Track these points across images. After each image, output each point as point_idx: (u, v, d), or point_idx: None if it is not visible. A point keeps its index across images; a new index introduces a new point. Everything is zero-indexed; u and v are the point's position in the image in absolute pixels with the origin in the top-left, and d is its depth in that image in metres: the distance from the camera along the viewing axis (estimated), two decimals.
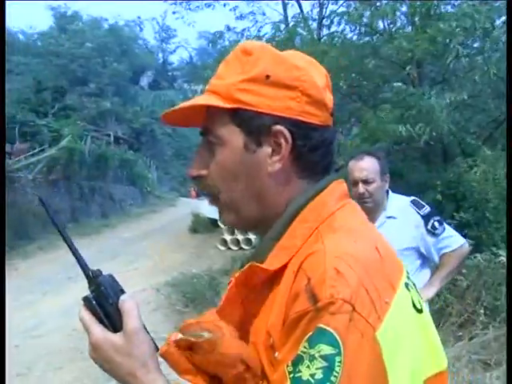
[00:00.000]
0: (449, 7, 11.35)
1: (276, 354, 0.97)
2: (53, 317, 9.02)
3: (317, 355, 0.89)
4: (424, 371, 1.00)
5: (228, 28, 16.67)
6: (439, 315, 6.52)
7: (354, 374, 0.88)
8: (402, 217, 3.73)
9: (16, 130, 24.96)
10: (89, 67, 45.61)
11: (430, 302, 3.91)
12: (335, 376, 0.87)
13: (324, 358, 0.88)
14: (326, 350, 0.89)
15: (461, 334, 6.34)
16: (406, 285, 1.06)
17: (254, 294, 1.09)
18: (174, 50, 69.50)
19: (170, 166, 50.37)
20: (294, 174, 1.14)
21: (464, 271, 7.05)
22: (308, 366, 0.89)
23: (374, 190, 3.62)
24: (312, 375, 0.88)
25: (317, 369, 0.88)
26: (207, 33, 46.02)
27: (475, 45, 10.89)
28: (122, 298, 1.14)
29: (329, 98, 1.17)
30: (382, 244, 1.08)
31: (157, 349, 1.14)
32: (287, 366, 0.92)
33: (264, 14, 16.45)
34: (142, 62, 58.03)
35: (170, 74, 68.30)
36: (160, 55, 68.61)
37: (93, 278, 1.16)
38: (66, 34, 47.34)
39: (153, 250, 16.07)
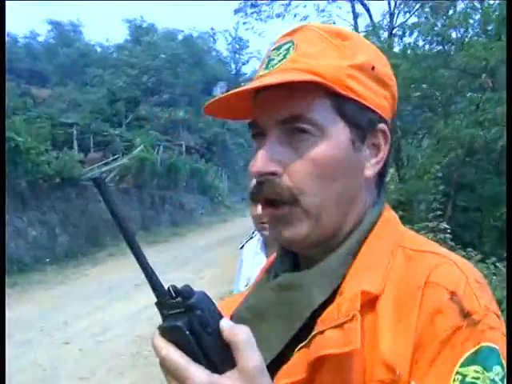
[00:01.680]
0: None
1: (412, 383, 0.81)
2: (118, 323, 9.16)
3: (497, 379, 0.78)
4: None
5: None
6: None
7: None
8: None
9: (90, 140, 25.56)
10: (162, 78, 46.38)
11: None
12: None
13: (502, 381, 0.79)
14: (501, 372, 0.79)
15: None
16: None
17: None
18: (247, 61, 69.82)
19: (241, 177, 50.62)
20: (374, 181, 1.02)
21: None
22: None
23: None
24: None
25: None
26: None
27: None
28: (227, 323, 0.79)
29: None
30: None
31: None
32: None
33: (334, 24, 16.36)
34: (215, 73, 58.60)
35: (242, 84, 68.41)
36: (233, 66, 69.26)
37: (177, 296, 0.80)
38: (141, 46, 48.34)
39: (221, 259, 16.16)
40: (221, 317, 0.80)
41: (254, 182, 0.99)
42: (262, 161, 0.93)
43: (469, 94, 10.96)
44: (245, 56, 69.07)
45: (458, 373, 0.78)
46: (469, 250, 7.67)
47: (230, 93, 0.95)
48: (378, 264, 0.92)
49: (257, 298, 1.04)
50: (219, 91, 61.02)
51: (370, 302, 0.87)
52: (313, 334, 0.88)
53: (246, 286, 2.76)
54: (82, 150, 23.63)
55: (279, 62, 0.96)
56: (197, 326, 0.78)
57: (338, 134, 0.94)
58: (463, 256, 7.58)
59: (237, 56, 69.22)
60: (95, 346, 8.06)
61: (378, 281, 0.89)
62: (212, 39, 66.38)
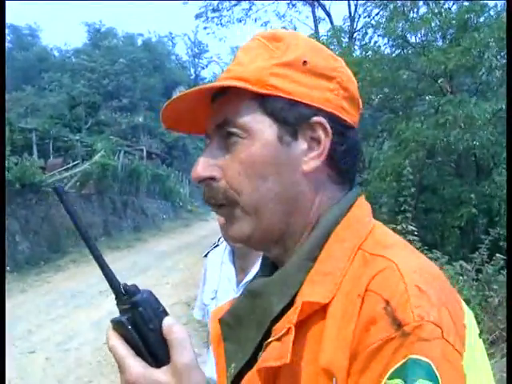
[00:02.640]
0: (481, 19, 11.28)
1: None
2: (84, 330, 9.05)
3: None
4: None
5: None
6: None
7: None
8: None
9: (50, 145, 25.23)
10: (121, 82, 46.04)
11: None
12: None
13: None
14: None
15: (492, 351, 6.19)
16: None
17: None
18: (206, 65, 69.84)
19: None
20: (328, 177, 0.99)
21: (495, 287, 6.93)
22: None
23: None
24: None
25: None
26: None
27: None
28: (168, 322, 0.90)
29: (360, 99, 1.06)
30: None
31: None
32: None
33: (295, 29, 16.52)
34: (175, 78, 58.37)
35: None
36: (192, 70, 69.09)
37: (126, 295, 0.90)
38: (100, 50, 47.92)
39: (184, 264, 16.08)
40: (166, 315, 0.90)
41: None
42: (200, 166, 0.97)
43: (428, 97, 11.14)
44: (204, 60, 69.06)
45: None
46: (434, 251, 7.76)
47: (172, 99, 0.99)
48: (335, 269, 0.91)
49: (237, 302, 1.06)
50: None
51: (319, 311, 0.88)
52: (265, 343, 0.90)
53: (213, 298, 2.69)
54: (42, 156, 23.30)
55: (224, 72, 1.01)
56: (139, 322, 0.88)
57: (264, 133, 0.95)
58: (430, 258, 7.70)
59: (196, 60, 69.15)
60: (61, 354, 7.94)
61: (329, 288, 0.88)
62: (171, 43, 66.21)
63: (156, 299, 0.92)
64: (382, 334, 0.78)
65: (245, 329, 1.00)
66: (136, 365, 0.88)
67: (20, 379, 7.01)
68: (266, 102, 0.95)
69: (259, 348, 0.94)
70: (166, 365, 0.88)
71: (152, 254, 18.22)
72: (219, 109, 0.98)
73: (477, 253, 7.47)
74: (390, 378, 0.76)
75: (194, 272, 14.76)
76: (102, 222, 22.53)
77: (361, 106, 1.06)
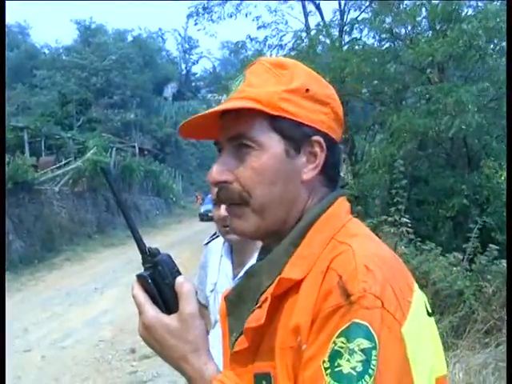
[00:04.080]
0: (470, 10, 11.31)
1: (304, 346, 1.00)
2: (79, 328, 9.06)
3: (356, 349, 0.93)
4: (436, 370, 1.05)
5: (250, 38, 16.76)
6: (465, 322, 6.45)
7: (385, 368, 0.94)
8: None
9: (42, 143, 25.19)
10: (112, 79, 45.85)
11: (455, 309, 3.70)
12: (372, 369, 0.92)
13: (362, 351, 0.93)
14: (364, 343, 0.93)
15: (487, 340, 6.24)
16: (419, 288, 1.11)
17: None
18: (197, 61, 69.55)
19: (195, 176, 50.57)
20: (319, 182, 1.19)
21: (489, 277, 6.96)
22: (348, 360, 0.93)
23: None
24: (353, 368, 0.93)
25: (357, 362, 0.93)
26: (230, 43, 46.05)
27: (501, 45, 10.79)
28: (180, 279, 1.13)
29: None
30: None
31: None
32: (323, 362, 0.95)
33: (286, 24, 16.53)
34: (166, 73, 58.20)
35: (193, 84, 68.45)
36: (183, 66, 68.85)
37: (150, 255, 1.14)
38: (90, 47, 47.69)
39: (178, 259, 16.05)
40: (179, 274, 1.14)
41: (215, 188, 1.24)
42: (215, 171, 1.16)
43: (419, 88, 11.15)
44: (194, 56, 68.85)
45: (333, 342, 0.95)
46: (427, 242, 7.78)
47: (194, 116, 1.20)
48: (311, 254, 1.10)
49: (239, 282, 1.27)
50: (170, 92, 60.62)
51: (295, 285, 1.07)
52: (251, 310, 1.13)
53: (212, 291, 2.73)
54: (34, 154, 23.29)
55: (233, 92, 1.19)
56: (158, 278, 1.12)
57: (274, 147, 1.14)
58: (423, 249, 7.73)
59: (187, 56, 68.90)
60: (58, 352, 7.97)
61: (303, 269, 1.08)
62: (161, 39, 65.92)
63: (173, 261, 1.16)
64: (334, 302, 0.98)
65: (244, 303, 1.20)
66: (151, 310, 1.12)
67: (17, 378, 7.03)
68: (275, 122, 1.14)
69: None
70: (174, 313, 1.12)
71: None
72: (231, 124, 1.16)
73: (468, 243, 7.49)
74: (337, 337, 0.95)
75: (188, 267, 14.71)
76: (96, 219, 22.55)
77: (343, 125, 1.26)
